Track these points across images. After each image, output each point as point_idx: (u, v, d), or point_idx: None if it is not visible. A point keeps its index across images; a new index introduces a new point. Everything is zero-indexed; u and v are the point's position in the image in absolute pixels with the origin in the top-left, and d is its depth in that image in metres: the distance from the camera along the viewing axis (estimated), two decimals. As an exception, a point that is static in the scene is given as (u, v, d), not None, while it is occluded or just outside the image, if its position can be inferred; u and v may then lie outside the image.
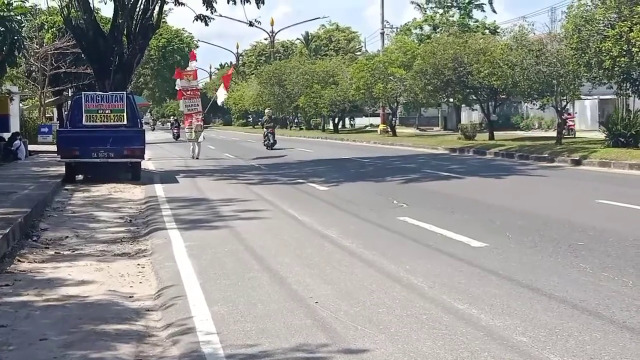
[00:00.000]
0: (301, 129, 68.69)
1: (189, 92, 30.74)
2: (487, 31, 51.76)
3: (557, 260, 8.36)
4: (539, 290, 6.95)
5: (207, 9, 25.74)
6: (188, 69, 33.39)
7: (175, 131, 55.17)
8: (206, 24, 26.98)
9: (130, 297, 7.40)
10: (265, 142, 36.14)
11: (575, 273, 7.67)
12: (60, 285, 7.81)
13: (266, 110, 40.60)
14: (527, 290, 6.97)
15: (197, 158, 29.73)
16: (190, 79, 31.26)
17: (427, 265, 8.13)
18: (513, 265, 8.11)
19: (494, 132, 36.36)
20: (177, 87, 31.93)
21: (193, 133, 30.06)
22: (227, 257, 8.98)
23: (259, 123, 58.26)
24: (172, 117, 67.23)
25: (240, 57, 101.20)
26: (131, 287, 7.85)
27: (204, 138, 31.64)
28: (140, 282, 8.07)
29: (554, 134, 31.80)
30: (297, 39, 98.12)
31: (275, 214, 12.92)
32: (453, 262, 8.33)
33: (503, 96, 37.03)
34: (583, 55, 24.73)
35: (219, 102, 35.46)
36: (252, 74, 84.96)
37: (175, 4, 27.17)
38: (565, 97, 29.41)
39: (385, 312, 6.32)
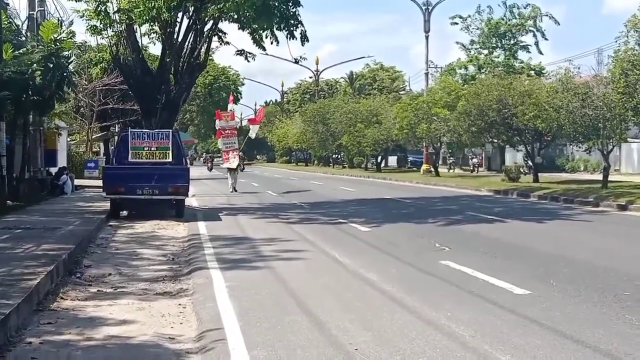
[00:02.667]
0: (344, 167, 68.83)
1: (227, 132, 33.97)
2: (532, 72, 51.55)
3: (602, 310, 8.22)
4: (584, 342, 6.82)
5: (257, 47, 26.03)
6: (227, 110, 36.07)
7: (209, 165, 65.01)
8: (247, 60, 27.32)
9: (171, 338, 7.41)
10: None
11: (621, 325, 7.52)
12: (102, 325, 7.87)
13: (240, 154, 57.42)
14: (571, 342, 6.85)
15: (235, 190, 32.19)
16: (228, 120, 34.45)
17: (468, 313, 8.04)
18: (557, 314, 7.98)
19: (539, 174, 36.06)
20: (216, 127, 35.33)
21: (232, 168, 33.18)
22: (268, 299, 8.97)
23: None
24: (205, 153, 76.75)
25: (285, 94, 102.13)
26: (172, 327, 7.88)
27: (242, 169, 35.27)
28: (181, 323, 8.09)
29: (599, 176, 31.43)
30: (342, 77, 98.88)
31: (316, 255, 12.91)
32: (495, 309, 8.23)
33: (548, 138, 36.77)
34: (630, 99, 24.49)
35: (252, 136, 39.39)
36: (296, 111, 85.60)
37: (221, 43, 27.52)
38: (611, 140, 29.08)
39: (426, 362, 6.26)
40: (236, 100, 77.02)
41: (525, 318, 7.79)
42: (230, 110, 36.19)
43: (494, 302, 8.61)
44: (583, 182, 33.38)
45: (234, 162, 33.09)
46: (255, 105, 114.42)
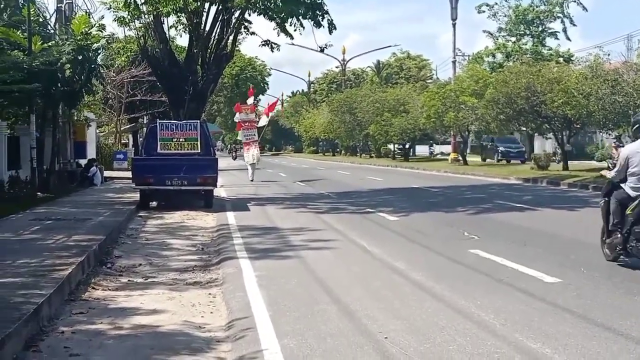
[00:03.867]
0: (371, 156, 68.67)
1: (247, 124, 34.44)
2: (561, 59, 51.05)
3: (633, 298, 8.15)
4: (615, 330, 6.77)
5: (285, 35, 26.00)
6: (247, 103, 36.78)
7: (233, 154, 69.80)
8: (272, 50, 27.27)
9: (201, 327, 7.47)
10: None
11: (653, 313, 7.46)
12: (133, 314, 7.94)
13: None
14: (603, 329, 6.80)
15: (252, 180, 32.86)
16: (248, 113, 34.89)
17: (498, 301, 8.00)
18: (588, 302, 7.93)
19: (568, 162, 35.75)
20: (236, 120, 36.38)
21: (251, 158, 33.73)
22: (297, 288, 9.00)
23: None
24: (231, 144, 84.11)
25: (312, 84, 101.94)
26: (202, 317, 7.93)
27: (259, 161, 35.23)
28: (211, 312, 8.14)
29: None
30: (368, 67, 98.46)
31: (344, 244, 12.92)
32: (525, 298, 8.19)
33: (577, 126, 36.43)
34: (661, 85, 24.20)
35: (260, 124, 39.73)
36: (323, 101, 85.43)
37: (247, 34, 27.53)
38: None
39: (456, 350, 6.24)
40: (257, 94, 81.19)
41: (555, 306, 7.74)
42: (251, 103, 36.85)
43: (524, 290, 8.57)
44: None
45: (254, 156, 33.61)
46: (282, 95, 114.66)
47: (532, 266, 10.00)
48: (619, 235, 9.76)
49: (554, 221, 16.41)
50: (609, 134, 33.09)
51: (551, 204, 19.99)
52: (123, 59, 43.94)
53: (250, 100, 37.70)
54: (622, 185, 9.99)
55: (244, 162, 37.24)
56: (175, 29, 27.85)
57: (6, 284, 8.44)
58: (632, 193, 9.76)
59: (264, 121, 39.95)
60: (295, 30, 25.37)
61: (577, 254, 11.20)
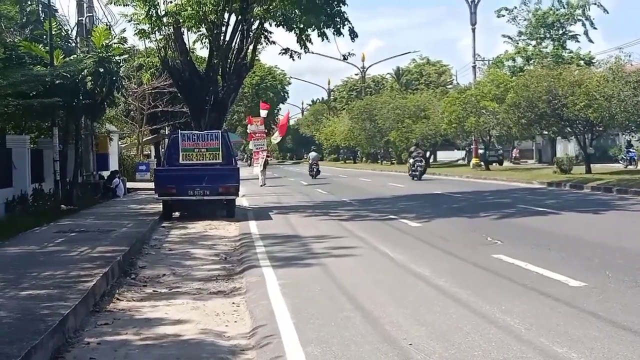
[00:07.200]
0: (392, 163, 68.59)
1: (257, 135, 39.23)
2: (582, 62, 50.74)
3: (660, 301, 8.07)
4: (642, 333, 6.71)
5: (301, 48, 26.00)
6: (259, 116, 41.57)
7: (248, 162, 73.28)
8: (292, 58, 27.07)
9: (225, 336, 7.48)
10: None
11: (681, 315, 7.38)
12: (157, 325, 7.96)
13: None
14: (629, 333, 6.74)
15: (264, 185, 36.62)
16: (258, 125, 39.45)
17: (523, 306, 7.95)
18: (614, 306, 7.86)
19: (591, 165, 35.51)
20: (248, 131, 42.34)
21: (261, 166, 38.08)
22: (320, 295, 8.99)
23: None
24: (245, 154, 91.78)
25: (332, 92, 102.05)
26: (226, 326, 7.95)
27: (267, 166, 40.14)
28: (235, 321, 8.15)
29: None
30: (388, 73, 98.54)
31: (367, 251, 12.89)
32: (550, 302, 8.13)
33: (600, 128, 36.17)
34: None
35: (274, 141, 48.46)
36: (343, 109, 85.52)
37: (267, 43, 27.52)
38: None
39: (481, 356, 6.21)
40: (277, 102, 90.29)
41: (581, 310, 7.68)
42: (262, 117, 41.27)
43: (549, 294, 8.51)
44: (637, 172, 32.78)
45: (262, 163, 38.19)
46: (303, 104, 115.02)
47: (557, 270, 9.93)
48: None
49: (578, 225, 16.30)
50: (632, 136, 32.85)
51: (575, 208, 19.85)
52: (147, 76, 44.19)
53: (264, 114, 42.07)
54: None
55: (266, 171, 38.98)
56: (201, 42, 27.93)
57: (32, 295, 8.51)
58: None
59: (275, 139, 46.18)
60: (318, 36, 25.23)
61: (601, 258, 11.11)
